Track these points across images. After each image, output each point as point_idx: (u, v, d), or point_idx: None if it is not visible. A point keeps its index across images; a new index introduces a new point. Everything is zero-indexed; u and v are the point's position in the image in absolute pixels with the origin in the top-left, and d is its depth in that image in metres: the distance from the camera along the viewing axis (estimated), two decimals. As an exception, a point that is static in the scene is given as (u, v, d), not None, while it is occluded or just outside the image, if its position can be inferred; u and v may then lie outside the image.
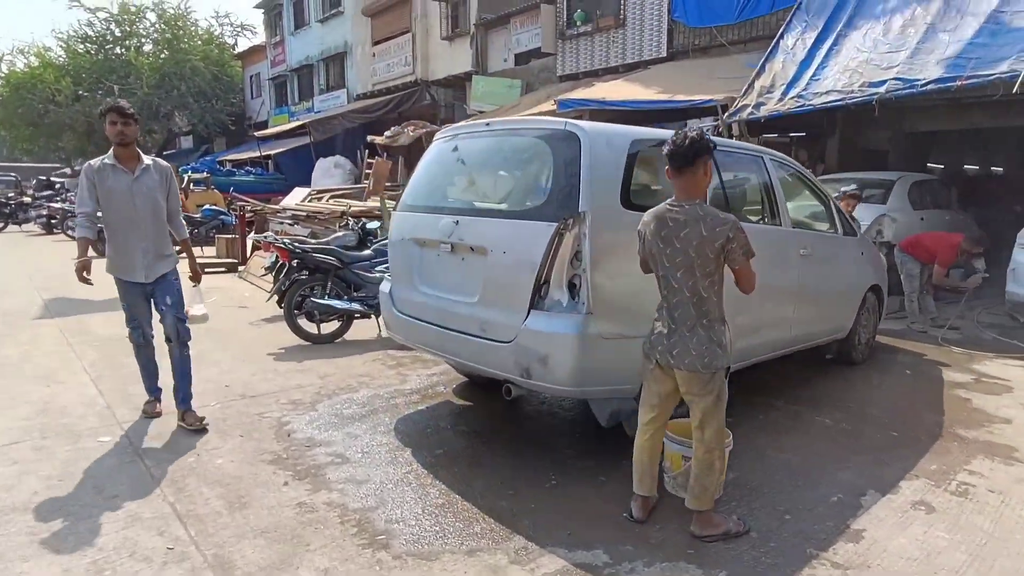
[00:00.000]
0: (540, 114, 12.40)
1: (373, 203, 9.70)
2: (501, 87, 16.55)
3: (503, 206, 3.24)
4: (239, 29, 30.46)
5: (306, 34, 25.18)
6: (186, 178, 16.87)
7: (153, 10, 27.92)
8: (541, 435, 3.78)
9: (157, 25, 28.14)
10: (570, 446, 3.59)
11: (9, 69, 26.29)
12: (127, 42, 27.55)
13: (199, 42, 28.65)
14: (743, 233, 2.39)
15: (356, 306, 5.74)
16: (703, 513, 2.58)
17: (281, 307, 5.73)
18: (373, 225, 7.29)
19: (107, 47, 27.42)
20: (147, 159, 3.63)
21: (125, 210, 3.53)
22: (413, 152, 17.84)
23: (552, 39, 14.94)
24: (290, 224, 9.78)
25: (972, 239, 6.18)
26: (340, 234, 7.63)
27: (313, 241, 7.45)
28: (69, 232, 15.29)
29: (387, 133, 15.39)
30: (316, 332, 5.72)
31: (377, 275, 5.85)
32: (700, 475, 2.54)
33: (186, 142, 34.76)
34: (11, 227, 17.50)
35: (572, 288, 2.95)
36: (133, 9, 27.41)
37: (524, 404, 4.31)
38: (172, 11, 28.12)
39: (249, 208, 11.14)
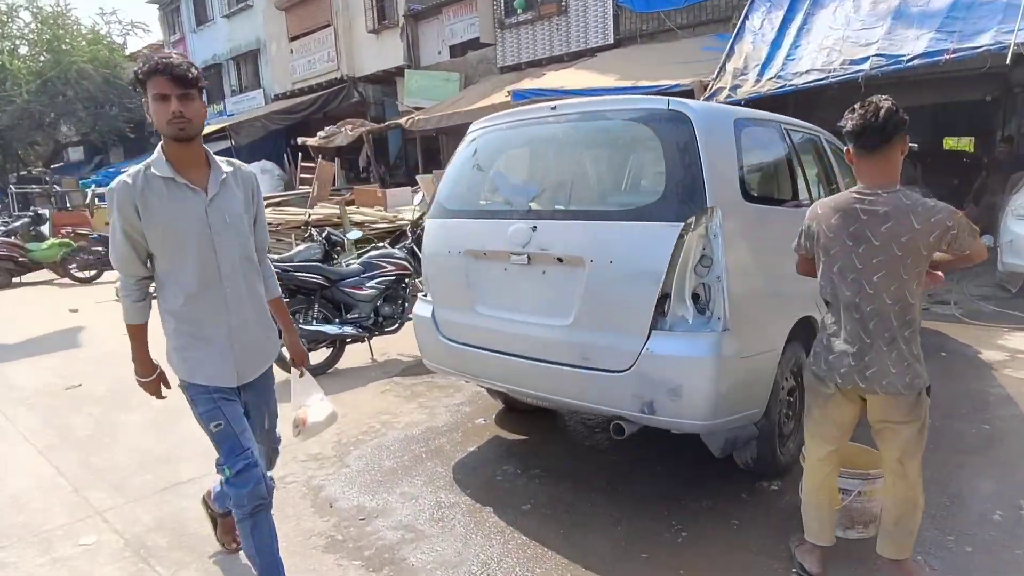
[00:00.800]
0: (491, 107, 11.86)
1: (327, 210, 8.81)
2: (437, 81, 15.79)
3: (601, 206, 2.67)
4: (129, 27, 27.84)
5: (211, 31, 23.30)
6: (89, 193, 15.06)
7: (27, 8, 25.04)
8: (627, 470, 3.25)
9: (32, 25, 25.28)
10: (675, 482, 3.06)
11: None
12: (-1, 45, 24.55)
13: (83, 42, 25.94)
14: (961, 214, 1.96)
15: (349, 330, 4.99)
16: (903, 563, 2.14)
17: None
18: (356, 235, 6.48)
19: (-27, 50, 24.34)
20: (223, 163, 2.10)
21: (199, 258, 1.99)
22: (345, 152, 16.82)
23: (491, 29, 14.34)
24: (232, 238, 8.73)
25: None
26: (303, 247, 6.77)
27: (274, 257, 6.59)
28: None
29: (321, 133, 14.34)
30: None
31: (368, 292, 5.12)
32: (904, 518, 2.10)
33: (75, 153, 31.55)
34: None
35: (695, 300, 2.44)
36: (3, 8, 24.45)
37: (583, 430, 3.77)
38: (49, 9, 25.33)
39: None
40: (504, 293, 2.87)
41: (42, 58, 24.62)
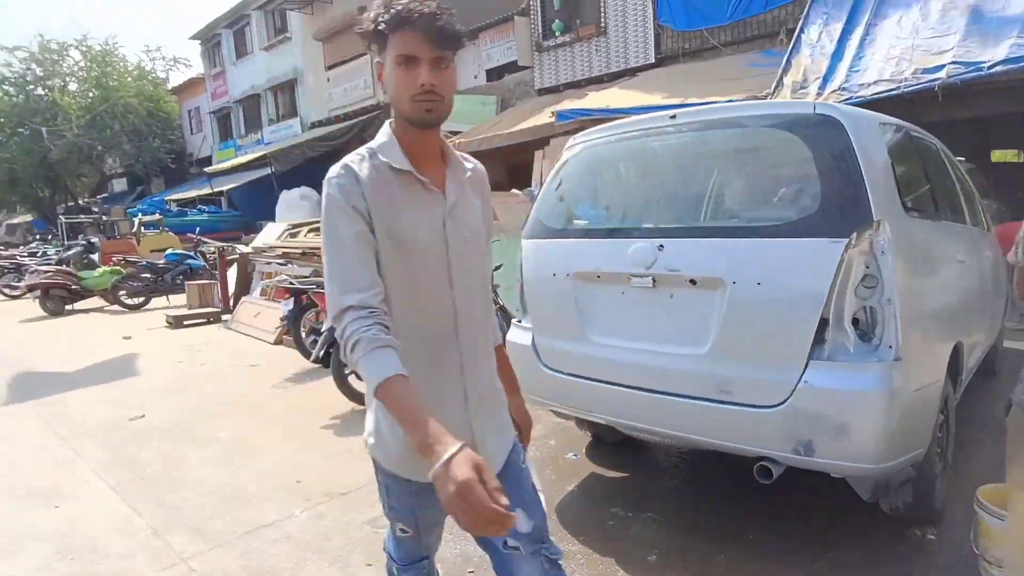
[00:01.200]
0: (536, 127, 11.73)
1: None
2: (474, 104, 15.77)
3: (741, 222, 2.39)
4: (172, 63, 28.70)
5: (250, 63, 23.79)
6: (136, 221, 15.26)
7: (77, 47, 25.92)
8: (752, 513, 2.92)
9: (82, 63, 26.13)
10: (814, 529, 2.70)
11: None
12: (50, 81, 25.39)
13: (129, 79, 26.72)
14: None
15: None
16: None
17: (325, 366, 4.68)
18: None
19: (28, 88, 25.20)
20: (464, 159, 1.51)
21: (430, 289, 1.37)
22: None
23: (528, 52, 14.32)
24: (280, 264, 8.62)
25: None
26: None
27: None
28: (5, 291, 13.48)
29: (361, 159, 14.32)
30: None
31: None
32: None
33: (119, 184, 32.38)
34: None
35: (856, 324, 2.14)
36: (55, 47, 25.33)
37: (685, 466, 3.45)
38: (98, 47, 26.18)
39: (222, 249, 9.86)
40: (622, 319, 2.60)
41: (91, 94, 25.38)
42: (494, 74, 15.71)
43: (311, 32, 20.09)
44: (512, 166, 15.78)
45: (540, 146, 11.90)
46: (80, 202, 27.40)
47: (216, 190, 20.12)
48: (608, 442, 3.67)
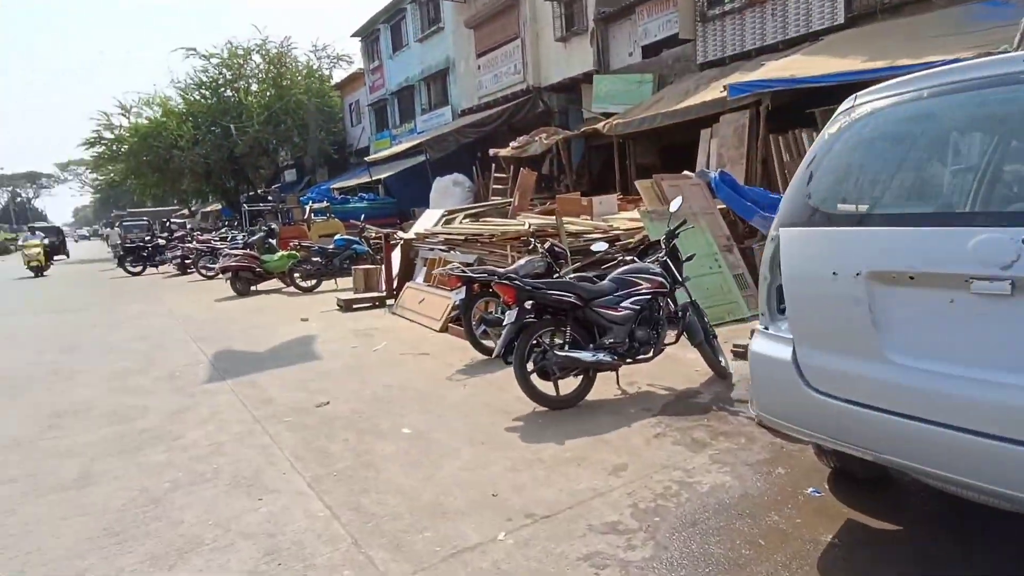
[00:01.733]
0: (703, 103, 10.75)
1: (542, 220, 8.32)
2: (629, 84, 14.97)
3: None
4: (335, 60, 30.54)
5: (405, 56, 24.65)
6: (307, 209, 16.34)
7: (257, 51, 28.43)
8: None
9: (262, 65, 28.63)
10: None
11: (136, 120, 27.36)
12: (237, 84, 28.12)
13: (300, 77, 28.88)
14: None
15: (604, 357, 4.29)
16: None
17: (507, 362, 4.35)
18: (602, 247, 5.85)
19: (220, 90, 28.09)
20: None
21: None
22: (527, 162, 16.56)
23: (690, 23, 13.21)
24: (443, 250, 8.58)
25: None
26: (524, 261, 6.29)
27: (500, 270, 6.16)
28: (202, 271, 15.03)
29: (514, 144, 14.15)
30: (556, 394, 4.31)
31: (624, 313, 4.38)
32: None
33: (290, 175, 35.38)
34: (149, 269, 17.61)
35: None
36: (241, 52, 27.96)
37: (978, 517, 2.66)
38: (275, 50, 28.52)
39: (387, 235, 10.06)
40: (948, 336, 1.91)
41: (268, 93, 27.75)
42: (651, 51, 14.77)
43: (462, 20, 20.28)
44: (665, 147, 14.82)
45: (708, 124, 10.90)
46: (258, 191, 30.31)
47: (375, 178, 21.08)
48: (857, 478, 2.96)
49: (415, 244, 9.55)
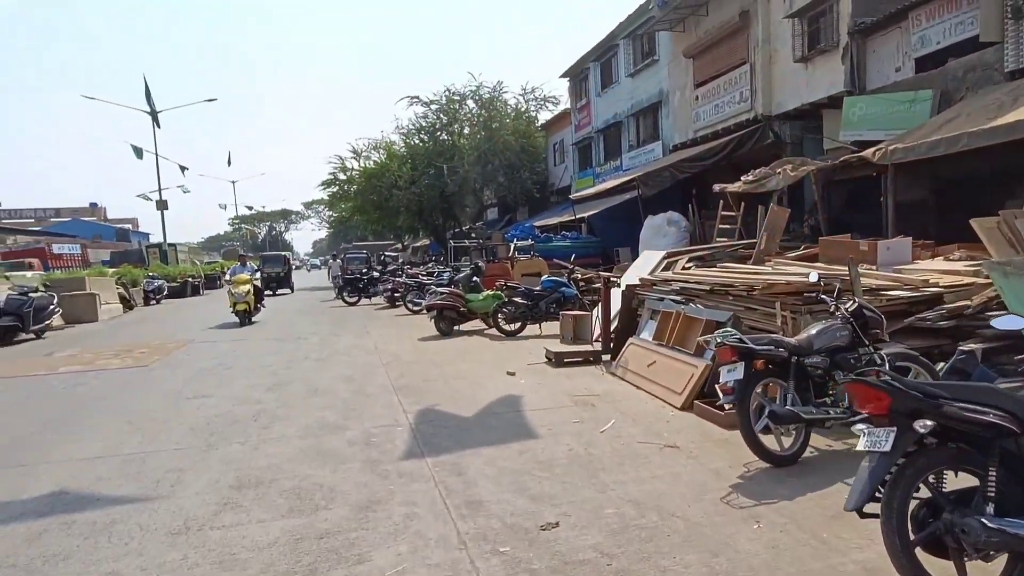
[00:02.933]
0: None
1: (800, 268, 6.27)
2: (894, 105, 12.07)
3: None
4: (542, 102, 30.70)
5: (614, 92, 23.71)
6: (512, 247, 15.74)
7: (472, 97, 29.64)
8: None
9: (475, 110, 29.80)
10: None
11: (365, 163, 29.94)
12: (452, 127, 29.53)
13: (508, 120, 29.48)
14: None
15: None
16: None
17: (860, 514, 2.55)
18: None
19: (436, 134, 29.73)
20: None
21: None
22: (754, 199, 14.21)
23: (996, 22, 10.17)
24: (678, 302, 6.91)
25: None
26: (820, 327, 4.38)
27: (789, 341, 4.34)
28: (409, 306, 15.06)
29: (747, 177, 12.07)
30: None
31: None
32: None
33: (492, 213, 36.34)
34: (363, 301, 18.38)
35: None
36: (457, 98, 29.36)
37: None
38: (488, 95, 29.51)
39: (607, 280, 8.63)
40: None
41: (479, 135, 28.69)
42: (928, 62, 11.80)
43: (680, 50, 18.72)
44: (944, 182, 11.61)
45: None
46: (463, 228, 31.39)
47: (578, 216, 20.12)
48: None
49: (639, 292, 8.00)
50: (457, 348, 9.49)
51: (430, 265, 23.75)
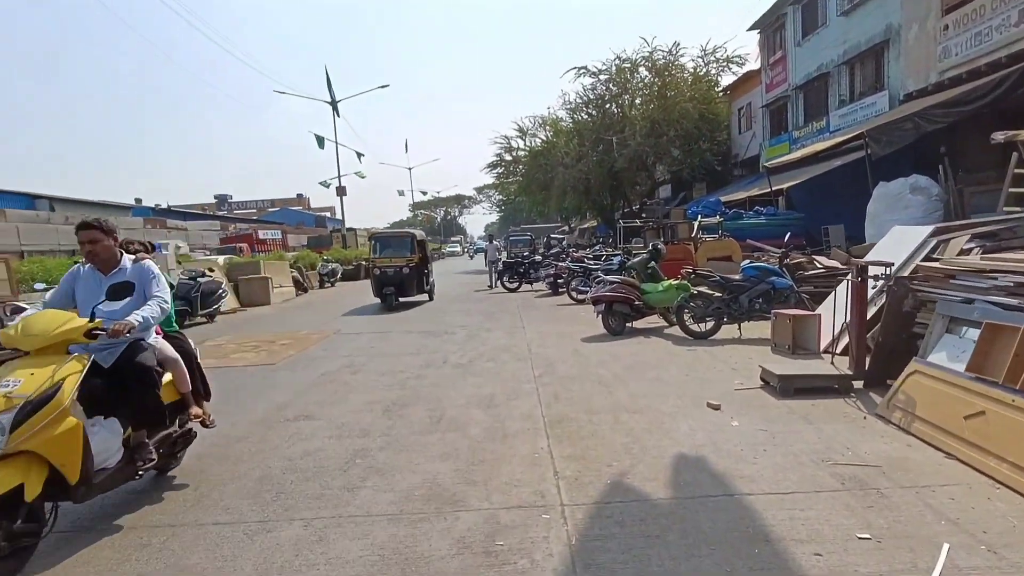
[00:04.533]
0: None
1: None
2: None
3: None
4: (725, 64, 26.52)
5: (819, 38, 19.34)
6: (696, 225, 12.99)
7: (643, 64, 26.56)
8: None
9: (647, 78, 26.70)
10: None
11: (531, 141, 28.45)
12: (622, 98, 26.81)
13: (685, 86, 25.94)
14: None
15: None
16: None
17: None
18: None
19: (605, 107, 27.23)
20: None
21: None
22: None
23: None
24: (1013, 307, 4.02)
25: None
26: None
27: None
28: (572, 294, 13.07)
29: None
30: None
31: None
32: None
33: (664, 191, 32.91)
34: (524, 287, 16.79)
35: None
36: (627, 65, 26.51)
37: None
38: (662, 61, 26.23)
39: (860, 268, 5.75)
40: None
41: (651, 105, 25.62)
42: None
43: (924, -32, 14.22)
44: None
45: None
46: (633, 208, 28.60)
47: (775, 188, 16.55)
48: None
49: (921, 287, 5.11)
50: (631, 355, 7.25)
51: (597, 247, 21.53)
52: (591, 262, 14.10)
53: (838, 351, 5.91)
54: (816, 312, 6.86)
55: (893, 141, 11.74)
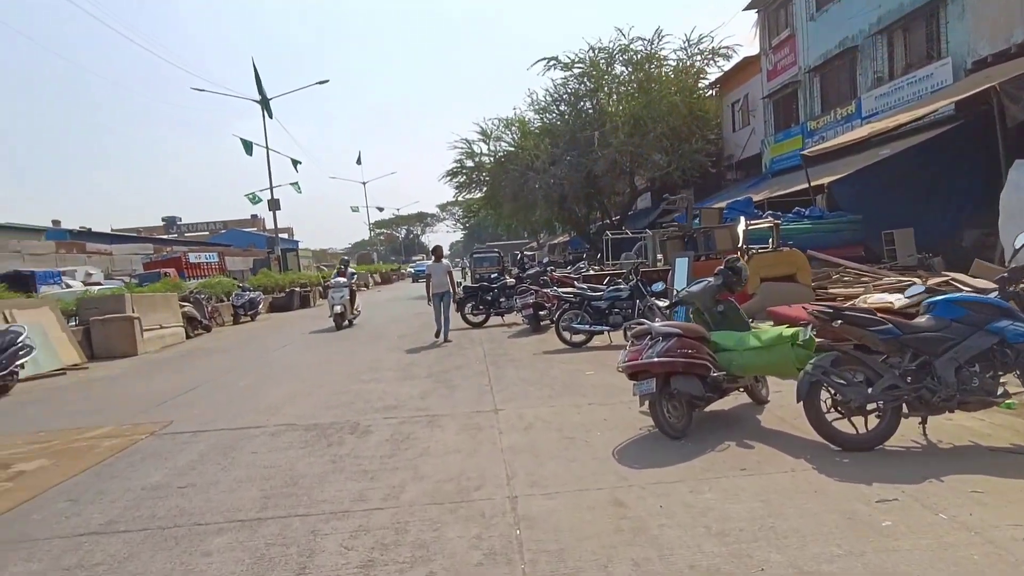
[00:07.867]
0: None
1: None
2: None
3: None
4: (710, 56, 22.87)
5: (840, 8, 15.77)
6: (741, 234, 8.90)
7: (619, 59, 22.75)
8: None
9: (625, 73, 22.92)
10: None
11: (495, 145, 24.33)
12: (597, 95, 22.92)
13: (669, 77, 22.22)
14: None
15: None
16: None
17: None
18: None
19: (579, 104, 23.31)
20: None
21: None
22: None
23: None
24: None
25: None
26: None
27: None
28: (565, 336, 8.80)
29: None
30: None
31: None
32: None
33: (643, 201, 29.11)
34: (492, 319, 12.39)
35: None
36: (603, 56, 22.68)
37: None
38: (642, 53, 22.48)
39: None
40: None
41: (633, 101, 21.80)
42: None
43: None
44: None
45: None
46: (612, 219, 24.68)
47: (813, 184, 12.64)
48: None
49: None
50: (738, 512, 2.93)
51: (580, 265, 17.34)
52: (582, 287, 9.84)
53: None
54: None
55: (1038, 99, 7.88)
